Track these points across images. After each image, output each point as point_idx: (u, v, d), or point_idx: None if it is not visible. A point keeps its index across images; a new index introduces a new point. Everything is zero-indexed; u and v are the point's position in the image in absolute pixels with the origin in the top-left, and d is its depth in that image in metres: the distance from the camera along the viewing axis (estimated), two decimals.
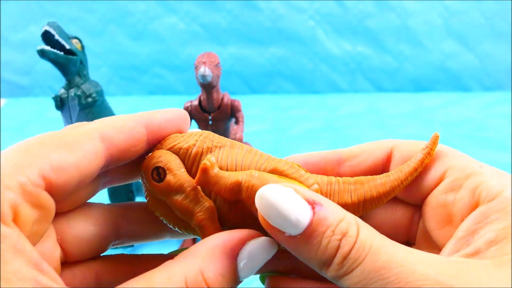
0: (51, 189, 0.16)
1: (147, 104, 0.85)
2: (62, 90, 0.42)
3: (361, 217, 0.18)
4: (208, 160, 0.18)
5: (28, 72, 0.90)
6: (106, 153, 0.18)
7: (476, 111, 0.80)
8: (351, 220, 0.16)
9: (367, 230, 0.16)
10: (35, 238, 0.16)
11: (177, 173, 0.19)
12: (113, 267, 0.20)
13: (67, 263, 0.19)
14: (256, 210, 0.17)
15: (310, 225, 0.16)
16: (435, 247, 0.19)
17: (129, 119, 0.19)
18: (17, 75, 0.91)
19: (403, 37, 0.88)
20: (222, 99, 0.45)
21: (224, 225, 0.19)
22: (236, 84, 0.91)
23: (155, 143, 0.20)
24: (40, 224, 0.16)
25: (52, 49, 0.40)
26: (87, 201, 0.20)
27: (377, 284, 0.15)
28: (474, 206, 0.17)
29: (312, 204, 0.16)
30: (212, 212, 0.19)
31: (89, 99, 0.42)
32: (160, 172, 0.19)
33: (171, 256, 0.18)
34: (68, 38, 0.42)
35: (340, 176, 0.21)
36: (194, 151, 0.19)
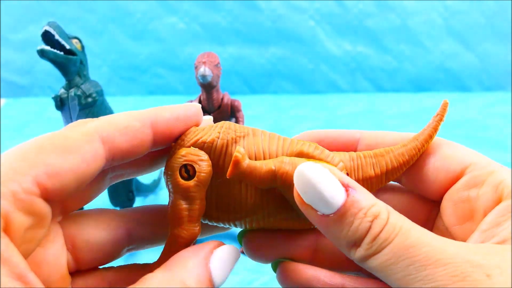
0: (47, 195, 0.15)
1: (147, 104, 0.85)
2: (62, 90, 0.42)
3: None
4: (239, 152, 0.18)
5: (28, 72, 0.90)
6: (107, 155, 0.17)
7: (476, 111, 0.80)
8: (382, 205, 0.17)
9: (397, 215, 0.17)
10: (30, 245, 0.16)
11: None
12: (127, 276, 0.20)
13: (80, 271, 0.19)
14: (291, 196, 0.18)
15: (343, 205, 0.16)
16: None
17: (134, 119, 0.18)
18: (17, 75, 0.91)
19: (403, 37, 0.88)
20: (222, 99, 0.45)
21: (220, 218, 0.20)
22: (236, 84, 0.91)
23: (162, 143, 0.19)
24: (35, 230, 0.16)
25: (52, 49, 0.40)
26: (97, 201, 0.20)
27: (405, 262, 0.15)
28: (498, 201, 0.17)
29: (346, 187, 0.17)
30: (192, 240, 0.19)
31: (89, 99, 0.42)
32: (188, 169, 0.19)
33: (149, 269, 0.18)
34: (68, 38, 0.42)
35: None
36: (219, 143, 0.19)
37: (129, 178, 0.21)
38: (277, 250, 0.21)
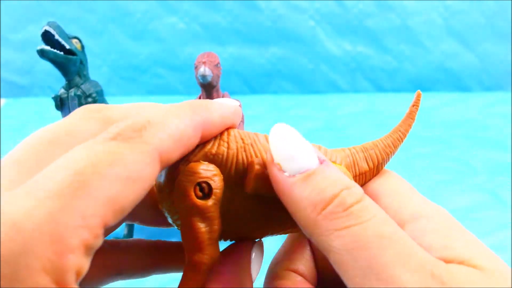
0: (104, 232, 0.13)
1: None
2: (62, 90, 0.42)
3: None
4: (258, 164, 0.17)
5: (28, 72, 0.90)
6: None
7: (476, 111, 0.80)
8: (359, 187, 0.15)
9: (373, 202, 0.15)
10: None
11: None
12: (133, 255, 0.19)
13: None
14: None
15: (314, 169, 0.15)
16: None
17: (186, 125, 0.15)
18: (17, 75, 0.91)
19: (403, 37, 0.88)
20: None
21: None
22: (236, 84, 0.91)
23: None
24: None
25: (52, 49, 0.40)
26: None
27: (371, 253, 0.13)
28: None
29: (322, 161, 0.16)
30: (215, 264, 0.17)
31: (89, 99, 0.42)
32: (203, 187, 0.16)
33: None
34: (68, 38, 0.42)
35: None
36: (230, 154, 0.17)
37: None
38: None
